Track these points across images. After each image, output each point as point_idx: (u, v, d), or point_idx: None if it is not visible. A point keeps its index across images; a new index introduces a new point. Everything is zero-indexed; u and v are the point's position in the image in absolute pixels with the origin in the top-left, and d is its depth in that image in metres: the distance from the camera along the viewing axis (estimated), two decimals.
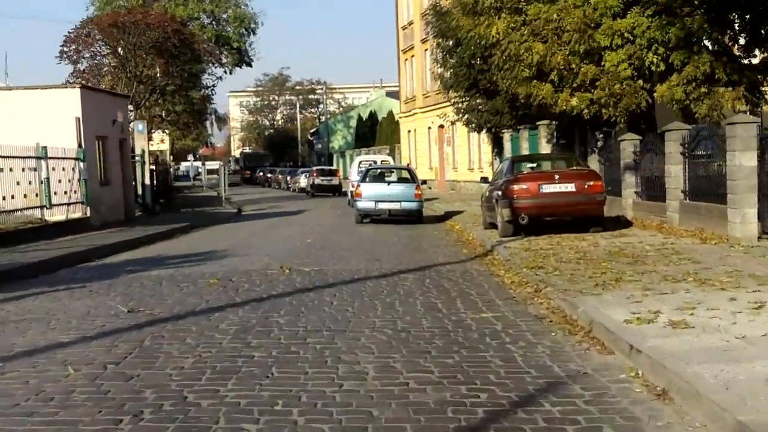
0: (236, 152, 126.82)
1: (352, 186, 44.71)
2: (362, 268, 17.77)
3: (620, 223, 24.14)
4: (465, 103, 42.99)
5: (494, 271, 16.81)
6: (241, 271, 17.42)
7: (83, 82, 45.08)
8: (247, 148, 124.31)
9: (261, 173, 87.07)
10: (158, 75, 48.24)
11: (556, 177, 21.95)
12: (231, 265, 18.54)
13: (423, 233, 27.39)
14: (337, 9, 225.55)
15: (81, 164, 29.48)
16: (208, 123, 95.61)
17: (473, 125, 43.35)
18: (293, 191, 67.97)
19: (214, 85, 79.36)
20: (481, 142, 50.23)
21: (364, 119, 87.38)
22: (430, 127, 60.20)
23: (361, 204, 32.52)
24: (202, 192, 71.34)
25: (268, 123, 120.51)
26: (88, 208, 29.98)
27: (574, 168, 23.21)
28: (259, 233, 28.34)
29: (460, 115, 43.68)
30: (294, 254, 20.73)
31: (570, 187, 21.69)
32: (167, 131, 61.18)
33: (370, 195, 32.38)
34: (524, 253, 18.45)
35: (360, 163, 47.67)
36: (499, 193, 22.70)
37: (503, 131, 42.53)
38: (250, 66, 77.01)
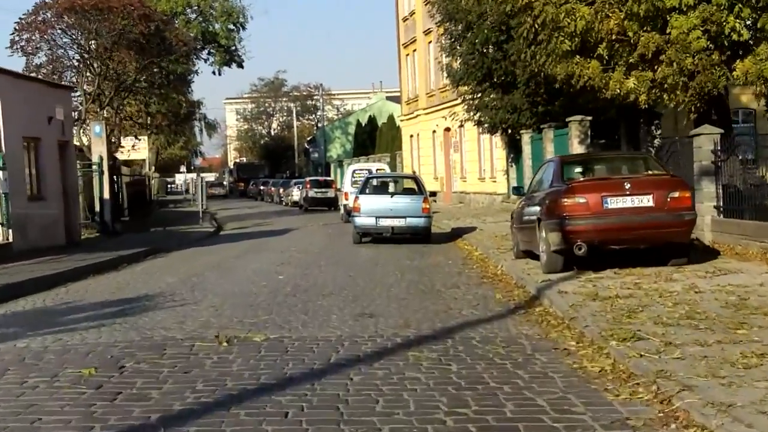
0: (233, 163, 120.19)
1: (345, 198, 39.00)
2: (346, 334, 11.27)
3: (699, 250, 17.60)
4: (476, 99, 36.59)
5: (558, 342, 10.33)
6: (154, 343, 10.89)
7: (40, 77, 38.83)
8: (245, 158, 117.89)
9: (254, 185, 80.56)
10: (127, 70, 41.54)
11: (627, 186, 15.26)
12: (148, 328, 12.08)
13: (434, 262, 20.87)
14: (333, 7, 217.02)
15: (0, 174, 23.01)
16: (197, 130, 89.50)
17: (486, 125, 36.92)
18: (286, 205, 61.62)
19: (190, 80, 72.14)
20: (494, 147, 43.75)
21: (363, 125, 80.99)
22: (434, 131, 53.74)
23: (360, 220, 27.09)
24: (190, 206, 64.74)
25: (264, 131, 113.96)
26: (10, 230, 23.48)
27: (651, 173, 16.47)
28: (223, 264, 21.84)
29: (471, 114, 37.26)
30: (252, 303, 14.26)
31: (647, 201, 15.10)
32: (143, 137, 54.48)
33: (371, 209, 27.03)
34: (592, 303, 12.00)
35: (354, 172, 41.53)
36: (542, 209, 16.21)
37: (522, 132, 36.07)
38: (241, 66, 70.72)
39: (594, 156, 20.41)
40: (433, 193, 31.88)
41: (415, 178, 31.81)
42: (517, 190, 19.02)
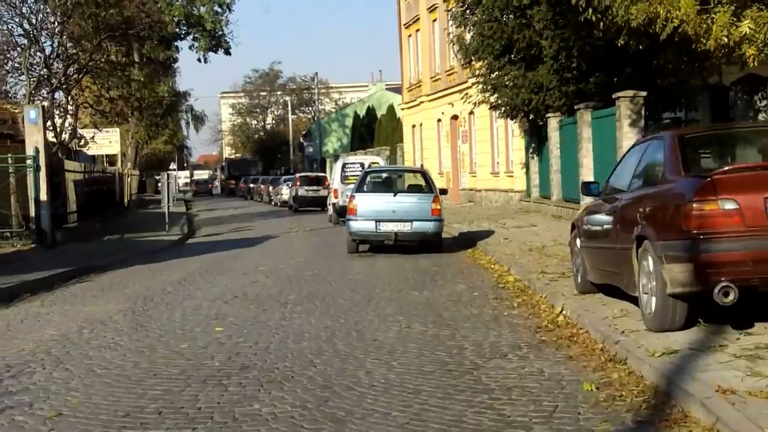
0: (224, 159, 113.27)
1: (335, 196, 33.78)
2: None
3: None
4: (493, 77, 30.07)
5: None
6: None
7: None
8: (239, 154, 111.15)
9: (244, 183, 73.91)
10: (80, 48, 34.86)
11: None
12: None
13: (453, 294, 14.21)
14: None
15: None
16: (183, 123, 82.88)
17: (504, 109, 30.35)
18: (275, 205, 55.02)
19: (175, 68, 65.61)
20: (510, 135, 37.16)
21: (361, 117, 74.36)
22: (439, 120, 47.15)
23: (356, 225, 21.91)
24: (173, 208, 57.91)
25: (258, 125, 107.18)
26: None
27: None
28: (152, 297, 15.19)
29: (486, 95, 30.71)
30: (128, 409, 7.73)
31: None
32: (115, 129, 47.80)
33: (370, 211, 21.81)
34: None
35: (344, 166, 35.04)
36: (646, 221, 9.40)
37: (548, 116, 29.52)
38: (229, 53, 63.90)
39: (736, 128, 12.81)
40: (444, 191, 25.42)
41: (423, 173, 25.36)
42: (590, 188, 12.20)
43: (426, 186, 23.28)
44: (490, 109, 31.83)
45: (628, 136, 22.35)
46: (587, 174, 26.03)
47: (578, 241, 12.41)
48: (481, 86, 31.62)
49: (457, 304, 13.00)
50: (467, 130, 42.69)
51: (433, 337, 10.47)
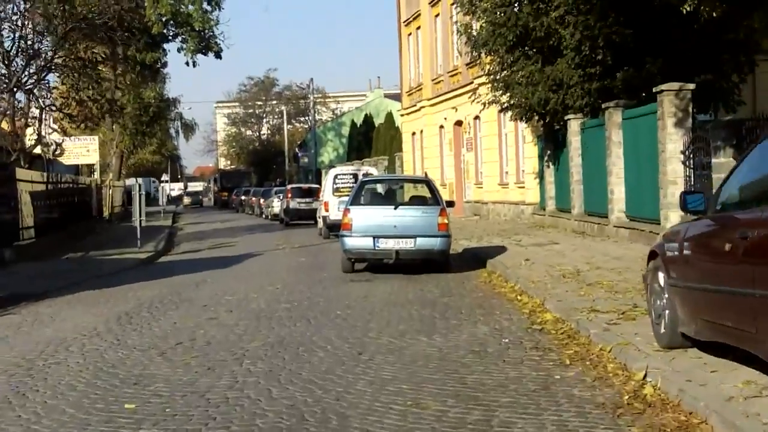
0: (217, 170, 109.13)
1: (325, 209, 30.67)
2: None
3: None
4: (505, 73, 26.41)
5: None
6: None
7: None
8: (233, 165, 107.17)
9: (236, 195, 69.99)
10: (46, 43, 31.03)
11: None
12: None
13: (474, 340, 10.38)
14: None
15: None
16: (173, 131, 78.97)
17: (517, 110, 26.61)
18: (266, 218, 51.16)
19: (165, 74, 61.89)
20: (522, 142, 33.37)
21: (358, 125, 70.56)
22: (442, 126, 43.29)
23: (352, 241, 18.88)
24: (159, 221, 54.13)
25: (253, 135, 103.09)
26: None
27: None
28: (38, 361, 11.23)
29: (498, 93, 27.01)
30: None
31: None
32: (93, 137, 43.95)
33: (367, 226, 18.85)
34: None
35: (336, 177, 31.50)
36: None
37: (568, 117, 25.81)
38: (219, 57, 59.76)
39: None
40: (451, 203, 21.36)
41: (428, 183, 21.75)
42: (692, 202, 8.20)
43: (431, 197, 20.16)
44: (500, 111, 28.03)
45: (673, 138, 18.64)
46: (617, 184, 22.30)
47: (662, 277, 8.53)
48: (491, 84, 27.92)
49: (484, 360, 9.20)
50: (472, 137, 38.90)
51: (457, 425, 6.65)
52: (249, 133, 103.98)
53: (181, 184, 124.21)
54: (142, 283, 18.62)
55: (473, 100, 30.40)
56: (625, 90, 23.40)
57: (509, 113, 28.07)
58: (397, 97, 61.01)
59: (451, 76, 41.03)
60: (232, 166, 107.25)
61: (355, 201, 19.58)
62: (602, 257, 17.95)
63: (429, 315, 12.62)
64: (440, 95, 42.66)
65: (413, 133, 48.47)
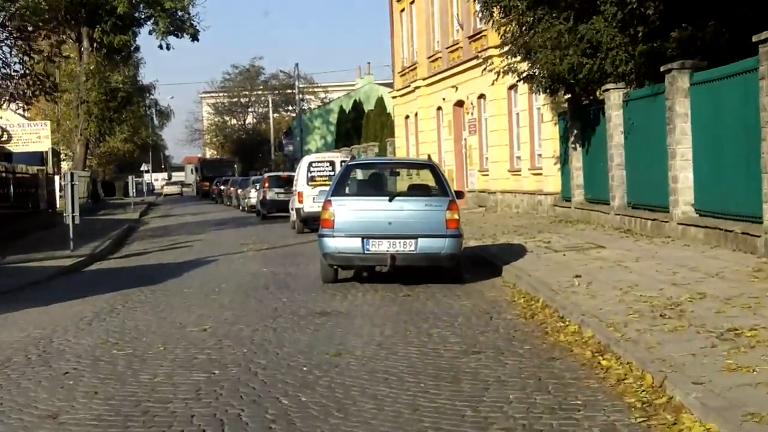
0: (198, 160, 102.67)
1: (299, 201, 26.70)
2: None
3: None
4: (525, 35, 20.70)
5: None
6: None
7: None
8: (220, 154, 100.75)
9: (216, 185, 63.93)
10: None
11: None
12: None
13: None
14: None
15: None
16: (150, 119, 72.67)
17: (542, 80, 20.79)
18: (243, 210, 45.21)
19: (130, 51, 56.15)
20: (538, 121, 27.49)
21: (347, 111, 64.59)
22: (440, 107, 37.33)
23: (335, 243, 14.10)
24: (125, 214, 48.07)
25: (237, 124, 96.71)
26: None
27: None
28: None
29: (518, 58, 21.30)
30: None
31: None
32: (44, 123, 37.85)
33: (355, 223, 14.12)
34: None
35: (311, 165, 27.34)
36: None
37: (606, 88, 20.04)
38: (196, 39, 53.89)
39: None
40: (460, 193, 15.17)
41: (432, 167, 16.04)
42: None
43: (436, 186, 15.13)
44: (518, 81, 22.12)
45: None
46: (682, 169, 16.44)
47: None
48: (506, 50, 22.15)
49: None
50: (476, 119, 32.99)
51: None
52: (234, 122, 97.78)
53: (165, 174, 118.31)
54: (13, 314, 12.62)
55: (484, 69, 24.55)
56: (682, 53, 17.72)
57: (525, 87, 22.45)
58: (389, 86, 55.09)
59: (451, 51, 35.12)
60: (217, 156, 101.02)
61: (338, 190, 14.63)
62: (690, 273, 12.09)
63: (446, 388, 6.87)
64: (438, 73, 36.72)
65: (406, 117, 42.50)
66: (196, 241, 26.05)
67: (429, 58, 38.00)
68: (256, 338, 9.74)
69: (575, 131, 23.08)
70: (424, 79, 38.52)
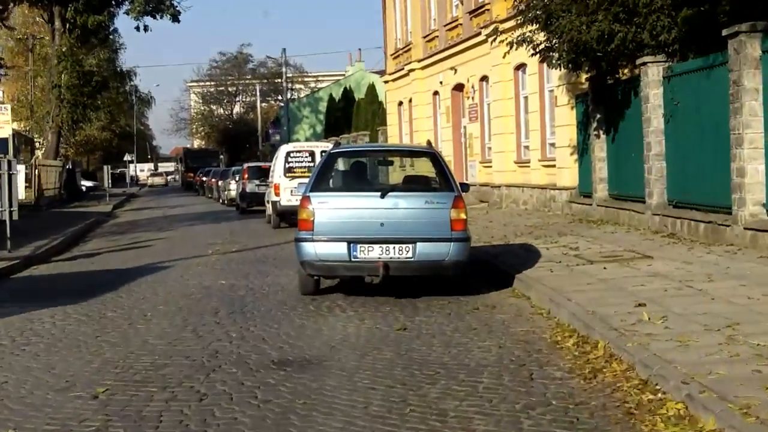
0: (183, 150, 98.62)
1: (276, 193, 24.12)
2: None
3: None
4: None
5: None
6: None
7: None
8: (207, 144, 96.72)
9: (199, 176, 60.22)
10: None
11: None
12: None
13: None
14: None
15: None
16: (132, 107, 68.79)
17: (563, 53, 17.25)
18: (223, 202, 41.57)
19: (107, 34, 52.63)
20: (551, 105, 23.85)
21: (336, 100, 60.85)
22: (437, 92, 33.66)
23: (314, 249, 11.17)
24: (96, 206, 44.38)
25: (224, 113, 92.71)
26: None
27: None
28: None
29: (533, 28, 17.83)
30: None
31: None
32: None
33: (339, 225, 11.24)
34: None
35: (288, 155, 24.73)
36: None
37: (643, 61, 16.48)
38: (177, 20, 49.87)
39: None
40: (466, 186, 11.33)
41: (433, 155, 12.67)
42: None
43: (439, 179, 12.26)
44: (537, 53, 18.45)
45: None
46: (752, 159, 12.86)
47: None
48: (519, 18, 18.63)
49: None
50: (477, 104, 29.36)
51: None
52: (221, 111, 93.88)
53: (151, 165, 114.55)
54: None
55: (493, 41, 21.04)
56: (734, 20, 14.14)
57: (535, 67, 19.07)
58: (381, 74, 51.42)
59: (449, 29, 31.46)
60: (203, 145, 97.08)
61: (318, 184, 11.77)
62: None
63: None
64: (434, 54, 33.05)
65: (400, 103, 38.80)
66: (160, 240, 22.53)
67: (425, 37, 34.30)
68: (165, 419, 6.12)
69: (598, 115, 19.48)
70: (419, 61, 34.83)
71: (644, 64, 16.27)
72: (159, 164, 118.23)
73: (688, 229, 14.74)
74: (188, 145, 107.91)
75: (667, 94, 15.97)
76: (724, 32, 13.30)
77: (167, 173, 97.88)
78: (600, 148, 19.55)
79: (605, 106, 19.24)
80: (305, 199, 11.34)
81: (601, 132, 19.50)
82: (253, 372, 7.40)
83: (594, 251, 13.91)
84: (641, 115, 16.66)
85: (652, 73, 16.19)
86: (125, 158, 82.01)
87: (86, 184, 64.24)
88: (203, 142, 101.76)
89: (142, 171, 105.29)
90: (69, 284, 14.04)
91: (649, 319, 8.19)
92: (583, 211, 20.44)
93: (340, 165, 13.79)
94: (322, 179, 11.92)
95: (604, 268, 11.93)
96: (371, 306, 10.52)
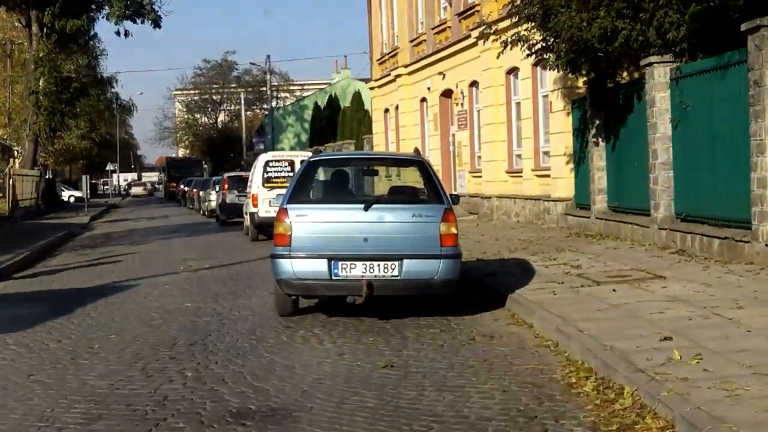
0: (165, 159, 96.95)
1: (254, 204, 23.14)
2: None
3: None
4: None
5: None
6: None
7: None
8: (192, 154, 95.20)
9: (180, 186, 58.73)
10: None
11: None
12: None
13: None
14: None
15: None
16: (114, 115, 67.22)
17: (562, 52, 15.99)
18: (203, 214, 40.14)
19: (87, 39, 51.43)
20: (546, 112, 22.55)
21: (322, 108, 59.50)
22: (424, 99, 32.38)
23: (292, 267, 10.03)
24: (74, 217, 42.94)
25: (209, 122, 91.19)
26: None
27: None
28: None
29: (528, 26, 16.62)
30: None
31: None
32: None
33: (319, 240, 10.11)
34: None
35: (267, 164, 23.75)
36: None
37: (649, 61, 15.22)
38: (158, 26, 48.42)
39: None
40: (456, 198, 9.92)
41: (421, 164, 11.49)
42: None
43: (427, 190, 11.17)
44: (532, 54, 17.15)
45: None
46: None
47: None
48: (514, 17, 17.37)
49: None
50: (466, 111, 28.09)
51: None
52: (205, 119, 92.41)
53: (135, 175, 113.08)
54: None
55: (485, 40, 19.79)
56: (747, 15, 12.91)
57: (528, 71, 17.80)
58: (367, 82, 50.19)
59: (437, 33, 30.20)
60: (191, 155, 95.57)
61: (297, 196, 10.71)
62: None
63: None
64: (422, 59, 31.77)
65: (386, 110, 37.50)
66: (132, 255, 21.16)
67: (412, 41, 33.01)
68: None
69: (597, 121, 18.23)
70: (406, 66, 33.53)
71: (650, 64, 15.00)
72: (143, 174, 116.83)
73: (699, 246, 13.44)
74: (173, 155, 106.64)
75: (676, 97, 14.70)
76: (744, 26, 12.04)
77: (152, 183, 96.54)
78: (599, 156, 18.28)
79: (605, 111, 17.98)
80: (282, 211, 10.31)
81: (600, 139, 18.24)
82: (203, 427, 6.06)
83: (598, 270, 12.61)
84: (646, 121, 15.38)
85: (659, 75, 14.92)
86: (107, 168, 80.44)
87: (75, 194, 62.86)
88: (188, 151, 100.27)
89: (125, 181, 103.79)
90: (19, 306, 12.66)
91: (680, 358, 6.88)
92: (581, 224, 19.15)
93: (321, 175, 12.62)
94: (300, 190, 10.87)
95: (614, 290, 10.62)
96: (352, 335, 9.20)
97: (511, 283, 11.67)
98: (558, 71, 17.63)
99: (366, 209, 10.11)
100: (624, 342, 7.59)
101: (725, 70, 12.93)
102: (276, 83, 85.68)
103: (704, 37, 14.28)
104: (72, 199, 62.44)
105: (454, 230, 10.17)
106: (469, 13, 26.77)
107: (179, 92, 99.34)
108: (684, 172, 14.50)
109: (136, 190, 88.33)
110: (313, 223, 10.20)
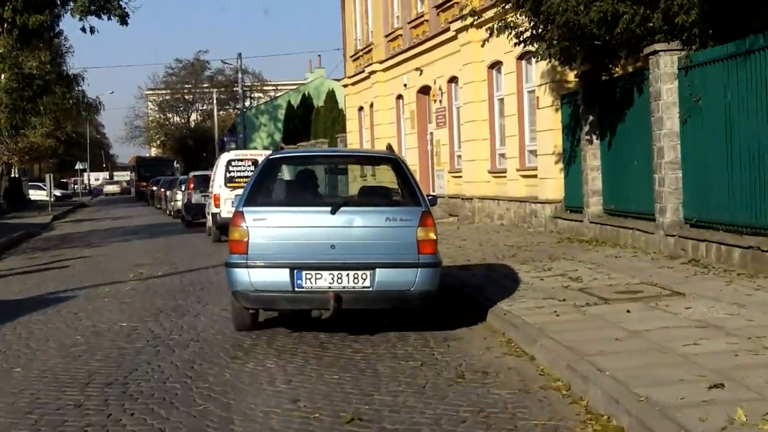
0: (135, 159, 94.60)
1: (216, 205, 21.90)
2: None
3: None
4: None
5: None
6: None
7: None
8: (164, 153, 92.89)
9: (148, 186, 56.73)
10: None
11: None
12: None
13: None
14: None
15: None
16: (80, 112, 64.77)
17: (556, 41, 14.19)
18: (169, 214, 38.21)
19: (52, 36, 49.47)
20: (533, 108, 20.72)
21: (295, 107, 57.54)
22: (400, 96, 30.49)
23: (249, 277, 8.60)
24: (35, 217, 40.92)
25: (181, 121, 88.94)
26: None
27: None
28: None
29: (517, 13, 14.84)
30: None
31: None
32: None
33: (281, 248, 8.68)
34: None
35: (230, 163, 22.54)
36: None
37: (653, 49, 13.44)
38: (125, 23, 46.13)
39: None
40: (434, 200, 8.00)
41: (395, 162, 9.86)
42: None
43: (402, 191, 9.79)
44: (522, 42, 15.32)
45: None
46: None
47: None
48: (501, 3, 15.62)
49: None
50: (445, 108, 26.25)
51: None
52: (177, 119, 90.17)
53: (106, 174, 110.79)
54: None
55: (471, 25, 18.05)
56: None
57: (512, 65, 16.14)
58: (341, 80, 48.37)
59: (414, 27, 28.35)
60: (163, 155, 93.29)
61: (255, 197, 9.29)
62: None
63: None
64: (398, 54, 29.89)
65: (360, 108, 35.60)
66: (83, 259, 19.35)
67: (387, 36, 31.13)
68: None
69: (590, 117, 16.45)
70: (381, 62, 31.66)
71: (655, 53, 13.21)
72: (115, 173, 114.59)
73: (716, 255, 11.68)
74: (145, 154, 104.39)
75: (685, 89, 12.92)
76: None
77: (126, 182, 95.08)
78: (593, 155, 16.50)
79: (599, 106, 16.21)
80: (238, 215, 8.99)
81: (593, 137, 16.46)
82: None
83: (602, 283, 10.83)
84: (650, 116, 13.60)
85: (665, 64, 13.14)
86: (77, 167, 78.18)
87: (56, 193, 60.92)
88: (160, 151, 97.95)
89: (96, 180, 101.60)
90: None
91: (746, 419, 5.07)
92: (572, 228, 17.38)
93: (284, 174, 10.93)
94: (259, 191, 9.39)
95: (628, 311, 8.83)
96: (312, 371, 7.37)
97: (503, 300, 9.89)
98: (548, 62, 15.88)
99: (333, 212, 8.81)
100: (661, 390, 5.78)
101: (746, 57, 11.15)
102: (249, 83, 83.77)
103: (719, 20, 12.55)
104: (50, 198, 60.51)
105: (432, 235, 8.90)
106: (447, 5, 24.95)
107: (151, 92, 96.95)
108: (695, 172, 12.73)
109: (110, 189, 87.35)
110: (273, 227, 8.85)
